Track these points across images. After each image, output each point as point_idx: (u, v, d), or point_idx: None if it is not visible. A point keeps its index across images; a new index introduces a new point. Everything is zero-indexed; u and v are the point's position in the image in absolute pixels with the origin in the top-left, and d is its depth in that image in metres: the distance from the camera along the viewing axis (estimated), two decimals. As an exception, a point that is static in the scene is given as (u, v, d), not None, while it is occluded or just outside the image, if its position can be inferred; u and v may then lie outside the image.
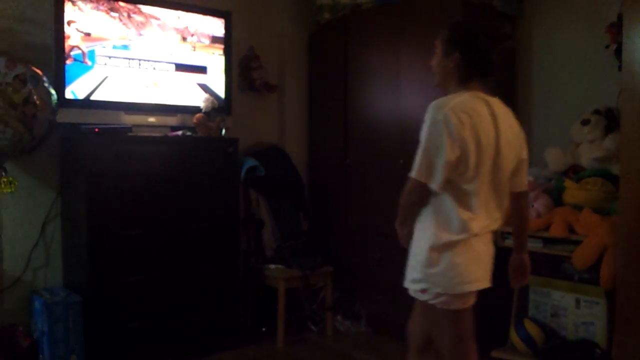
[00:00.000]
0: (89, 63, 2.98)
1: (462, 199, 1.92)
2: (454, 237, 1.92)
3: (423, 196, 1.98)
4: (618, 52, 2.75)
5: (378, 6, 3.71)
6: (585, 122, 3.04)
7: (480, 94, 1.97)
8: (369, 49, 3.71)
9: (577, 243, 2.77)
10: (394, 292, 3.52)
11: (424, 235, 2.00)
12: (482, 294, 2.03)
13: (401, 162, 3.44)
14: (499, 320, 3.10)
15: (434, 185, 1.91)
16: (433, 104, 1.92)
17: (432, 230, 1.96)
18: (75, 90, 2.94)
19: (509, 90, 3.53)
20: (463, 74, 1.98)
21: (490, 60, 2.00)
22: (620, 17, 2.66)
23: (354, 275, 3.81)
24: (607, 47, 2.93)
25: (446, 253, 1.92)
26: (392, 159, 3.50)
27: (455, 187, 1.91)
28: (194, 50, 3.40)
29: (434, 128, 1.89)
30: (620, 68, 2.62)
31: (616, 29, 2.78)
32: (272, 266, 3.64)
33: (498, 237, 3.15)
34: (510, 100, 3.51)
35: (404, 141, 3.44)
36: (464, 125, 1.85)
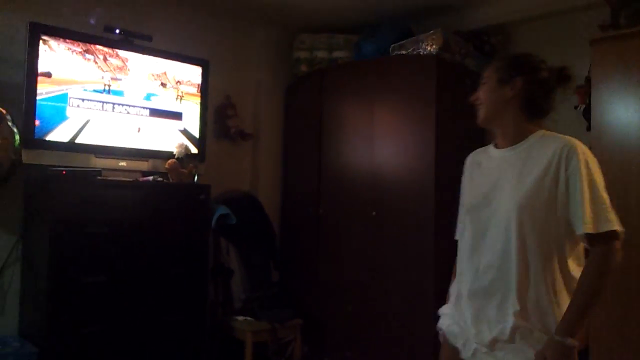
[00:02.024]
0: (62, 104, 2.93)
1: None
2: None
3: None
4: (587, 112, 2.83)
5: (354, 61, 3.79)
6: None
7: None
8: (344, 102, 3.75)
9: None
10: (364, 346, 3.48)
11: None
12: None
13: (374, 214, 3.44)
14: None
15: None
16: (575, 142, 1.58)
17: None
18: (44, 131, 2.88)
19: (480, 141, 3.56)
20: (531, 106, 1.67)
21: (551, 100, 1.71)
22: (588, 79, 2.75)
23: (324, 329, 3.73)
24: (576, 107, 3.02)
25: None
26: (365, 211, 3.50)
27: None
28: (170, 96, 3.39)
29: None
30: (588, 128, 2.69)
31: (584, 90, 2.87)
32: (240, 318, 3.54)
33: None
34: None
35: (377, 193, 3.45)
36: None
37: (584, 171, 1.52)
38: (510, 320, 1.57)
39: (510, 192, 1.62)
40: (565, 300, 1.55)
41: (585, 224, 1.51)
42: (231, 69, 3.96)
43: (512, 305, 1.57)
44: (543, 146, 1.61)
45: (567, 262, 1.59)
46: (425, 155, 3.25)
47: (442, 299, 3.18)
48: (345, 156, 3.72)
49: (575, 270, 1.59)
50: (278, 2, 3.65)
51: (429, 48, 3.28)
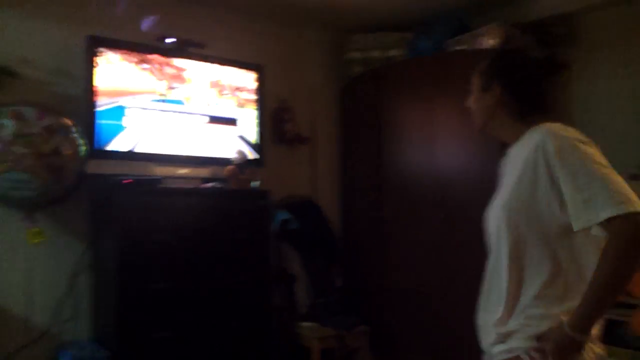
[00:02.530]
0: (120, 114, 3.00)
1: None
2: None
3: None
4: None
5: (410, 59, 3.70)
6: (634, 177, 2.87)
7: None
8: (402, 100, 3.66)
9: (634, 307, 2.56)
10: (434, 355, 3.33)
11: None
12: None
13: (442, 216, 3.30)
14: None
15: None
16: (548, 130, 1.44)
17: None
18: (105, 141, 2.95)
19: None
20: (519, 107, 1.57)
21: (543, 93, 1.59)
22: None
23: (392, 337, 3.60)
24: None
25: None
26: (432, 213, 3.37)
27: None
28: (227, 102, 3.41)
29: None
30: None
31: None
32: (306, 324, 3.49)
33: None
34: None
35: (444, 194, 3.32)
36: None
37: (560, 160, 1.35)
38: (492, 330, 1.51)
39: (500, 194, 1.57)
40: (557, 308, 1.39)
41: (576, 220, 1.32)
42: (285, 73, 3.95)
43: (496, 313, 1.50)
44: (525, 144, 1.50)
45: (560, 262, 1.42)
46: (492, 152, 3.09)
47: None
48: (407, 156, 3.62)
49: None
50: (329, 3, 3.62)
51: (488, 42, 3.15)
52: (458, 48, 3.33)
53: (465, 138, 3.26)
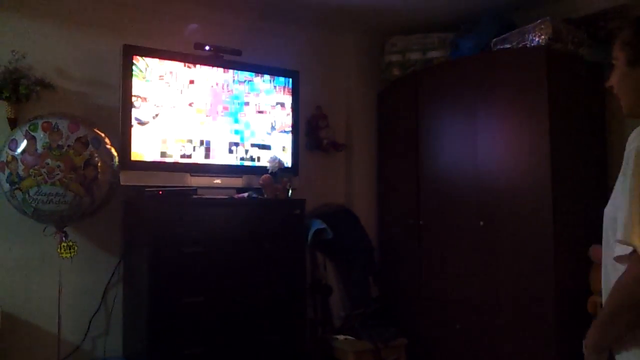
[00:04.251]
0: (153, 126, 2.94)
1: None
2: None
3: None
4: None
5: (451, 60, 3.55)
6: None
7: None
8: (442, 104, 3.52)
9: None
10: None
11: None
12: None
13: (481, 224, 3.17)
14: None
15: None
16: None
17: None
18: (140, 152, 2.90)
19: (600, 141, 3.23)
20: None
21: None
22: None
23: (430, 349, 3.48)
24: None
25: None
26: (471, 220, 3.23)
27: None
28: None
29: None
30: None
31: None
32: (341, 337, 3.39)
33: (598, 309, 2.79)
34: (602, 152, 3.21)
35: (484, 200, 3.18)
36: None
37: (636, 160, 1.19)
38: None
39: None
40: None
41: (620, 231, 1.21)
42: (321, 79, 3.87)
43: None
44: None
45: None
46: (538, 155, 2.94)
47: (563, 314, 2.88)
48: (446, 163, 3.48)
49: None
50: (366, 6, 3.50)
51: (537, 39, 2.98)
52: (505, 47, 3.16)
53: (509, 140, 3.11)
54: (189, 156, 3.05)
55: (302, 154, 3.56)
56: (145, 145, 2.90)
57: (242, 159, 3.25)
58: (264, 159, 3.31)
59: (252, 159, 3.29)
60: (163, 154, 2.97)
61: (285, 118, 3.43)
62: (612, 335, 1.28)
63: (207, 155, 3.11)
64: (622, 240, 1.20)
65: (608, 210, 1.34)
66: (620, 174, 1.28)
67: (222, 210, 2.97)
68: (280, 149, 3.40)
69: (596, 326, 1.30)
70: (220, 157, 3.16)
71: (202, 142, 3.10)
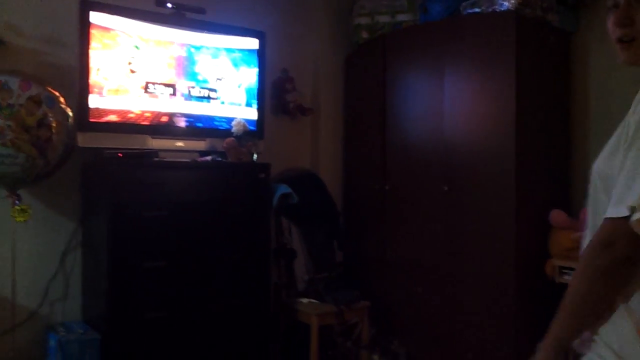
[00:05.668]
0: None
1: None
2: None
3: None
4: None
5: (420, 24, 3.50)
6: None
7: None
8: (410, 68, 3.49)
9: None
10: (435, 329, 3.27)
11: None
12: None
13: (445, 189, 3.19)
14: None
15: None
16: None
17: None
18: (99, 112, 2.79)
19: (564, 107, 3.26)
20: None
21: None
22: None
23: (393, 311, 3.54)
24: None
25: None
26: (436, 185, 3.25)
27: None
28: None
29: None
30: None
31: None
32: (305, 300, 3.41)
33: (556, 272, 2.87)
34: (565, 118, 3.25)
35: (449, 167, 3.20)
36: None
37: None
38: None
39: None
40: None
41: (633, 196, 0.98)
42: (288, 41, 3.77)
43: None
44: None
45: None
46: (503, 120, 2.96)
47: (523, 277, 2.95)
48: (413, 127, 3.47)
49: None
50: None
51: (506, 4, 2.96)
52: (474, 11, 3.13)
53: (476, 106, 3.12)
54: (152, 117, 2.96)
55: (267, 117, 3.49)
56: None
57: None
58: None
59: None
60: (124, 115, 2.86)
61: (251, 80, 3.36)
62: (578, 322, 1.05)
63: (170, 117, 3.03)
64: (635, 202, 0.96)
65: (601, 169, 1.15)
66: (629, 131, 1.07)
67: (185, 173, 2.91)
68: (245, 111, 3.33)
69: (558, 317, 1.06)
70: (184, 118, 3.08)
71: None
